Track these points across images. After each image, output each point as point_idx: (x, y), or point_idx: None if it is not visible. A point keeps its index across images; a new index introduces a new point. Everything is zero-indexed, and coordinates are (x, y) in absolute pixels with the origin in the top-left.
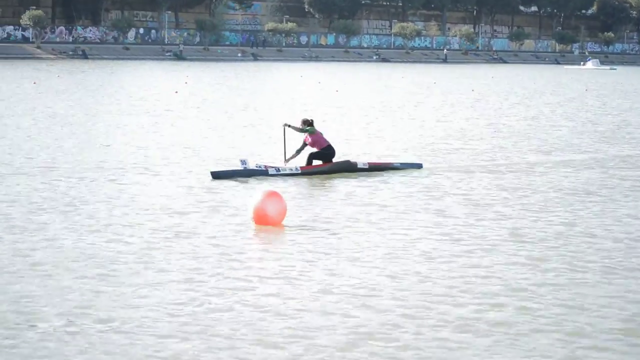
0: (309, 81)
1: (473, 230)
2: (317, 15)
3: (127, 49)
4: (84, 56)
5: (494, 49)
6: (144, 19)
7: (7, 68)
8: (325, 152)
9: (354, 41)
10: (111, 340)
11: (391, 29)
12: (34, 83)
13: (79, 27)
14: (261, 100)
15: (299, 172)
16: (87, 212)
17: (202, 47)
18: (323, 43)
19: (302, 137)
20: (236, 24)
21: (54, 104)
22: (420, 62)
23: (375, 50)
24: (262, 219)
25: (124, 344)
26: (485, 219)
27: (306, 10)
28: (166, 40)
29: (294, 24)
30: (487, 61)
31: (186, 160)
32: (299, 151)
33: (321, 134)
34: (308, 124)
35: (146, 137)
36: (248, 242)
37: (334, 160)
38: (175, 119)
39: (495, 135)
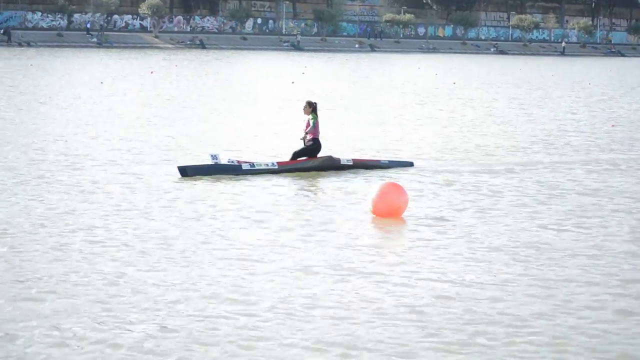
0: (427, 73)
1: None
2: (434, 7)
3: (245, 39)
4: (202, 46)
5: (612, 42)
6: (262, 9)
7: (125, 57)
8: (312, 146)
9: (472, 33)
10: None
11: (509, 21)
12: (151, 72)
13: (196, 17)
14: (379, 91)
15: (276, 167)
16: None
17: (320, 37)
18: (440, 35)
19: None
20: (354, 15)
21: (168, 92)
22: (538, 54)
23: (493, 42)
24: (386, 211)
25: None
26: None
27: (424, 1)
28: (284, 30)
29: (412, 15)
30: (605, 54)
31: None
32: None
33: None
34: (313, 108)
35: (264, 128)
36: (373, 234)
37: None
38: (290, 109)
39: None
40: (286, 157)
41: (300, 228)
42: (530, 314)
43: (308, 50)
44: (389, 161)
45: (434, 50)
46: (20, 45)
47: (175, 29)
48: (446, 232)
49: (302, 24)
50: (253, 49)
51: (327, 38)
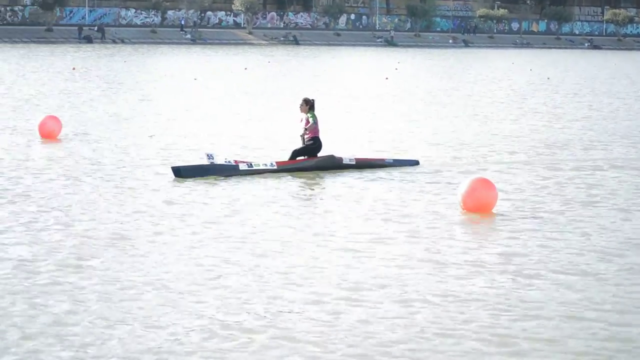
0: (521, 68)
1: None
2: (528, 2)
3: (338, 34)
4: (295, 42)
5: None
6: (355, 5)
7: (219, 53)
8: (312, 146)
9: (566, 28)
10: None
11: (603, 16)
12: (245, 69)
13: (290, 13)
14: (473, 87)
15: (275, 167)
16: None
17: (413, 33)
18: (534, 30)
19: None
20: (447, 10)
21: (264, 88)
22: (632, 49)
23: (587, 37)
24: (477, 206)
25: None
26: None
27: None
28: (377, 26)
29: (506, 10)
30: None
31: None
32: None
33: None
34: (311, 105)
35: (356, 123)
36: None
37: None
38: (382, 106)
39: None
40: (285, 156)
41: (397, 224)
42: None
43: (401, 46)
44: (394, 160)
45: (527, 45)
46: (114, 42)
47: (269, 25)
48: (547, 225)
49: (396, 20)
50: (346, 45)
51: (421, 33)
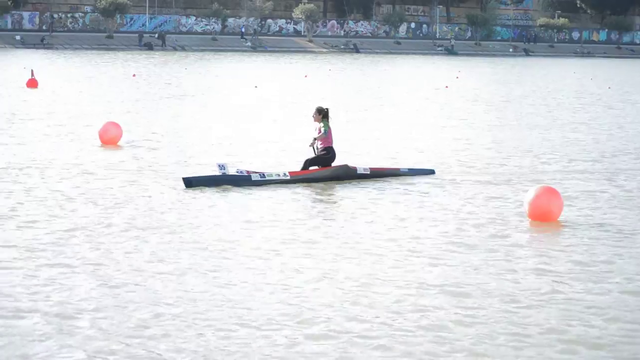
0: (582, 77)
1: None
2: (589, 11)
3: (399, 43)
4: (355, 50)
5: None
6: (415, 14)
7: (279, 61)
8: (325, 156)
9: (627, 37)
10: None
11: None
12: (305, 76)
13: (350, 21)
14: (534, 95)
15: (288, 178)
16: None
17: (474, 41)
18: (595, 39)
19: (315, 129)
20: (507, 19)
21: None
22: None
23: None
24: (543, 215)
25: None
26: None
27: (578, 5)
28: (437, 34)
29: (566, 19)
30: None
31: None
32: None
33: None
34: (324, 114)
35: (412, 131)
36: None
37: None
38: (442, 114)
39: None
40: (299, 166)
41: (464, 233)
42: None
43: (462, 55)
44: (409, 169)
45: (588, 54)
46: (174, 49)
47: (329, 33)
48: (613, 234)
49: (456, 28)
50: (407, 53)
51: (481, 42)
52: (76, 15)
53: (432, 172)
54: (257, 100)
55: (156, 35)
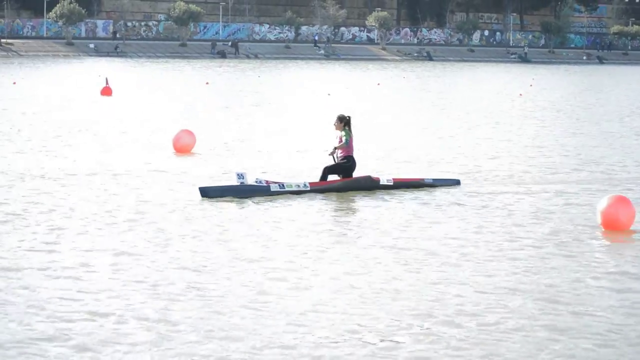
0: None
1: None
2: None
3: (472, 51)
4: (429, 58)
5: None
6: (489, 21)
7: (352, 69)
8: (346, 164)
9: None
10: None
11: None
12: (378, 84)
13: (423, 29)
14: (609, 104)
15: (308, 188)
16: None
17: (547, 49)
18: None
19: (336, 136)
20: (581, 27)
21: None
22: None
23: None
24: (616, 224)
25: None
26: None
27: None
28: (511, 42)
29: None
30: None
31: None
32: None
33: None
34: (346, 122)
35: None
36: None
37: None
38: (511, 123)
39: None
40: (315, 176)
41: (538, 243)
42: None
43: (535, 62)
44: (433, 180)
45: None
46: (248, 57)
47: (402, 41)
48: None
49: (530, 36)
50: (480, 61)
51: (555, 50)
52: (150, 23)
53: (457, 182)
54: (330, 108)
55: (229, 44)
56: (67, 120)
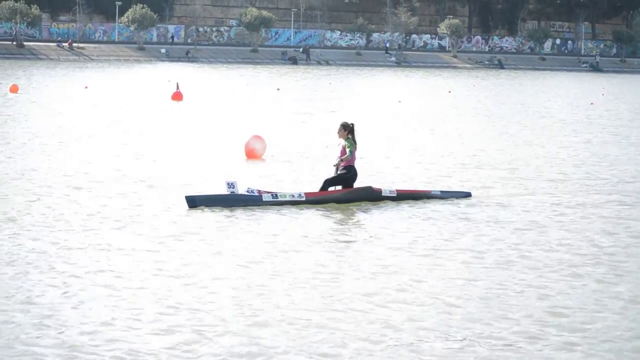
0: None
1: None
2: None
3: (543, 59)
4: (500, 66)
5: None
6: (561, 30)
7: (423, 76)
8: (346, 175)
9: None
10: None
11: None
12: (449, 92)
13: (495, 37)
14: None
15: (303, 199)
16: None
17: (619, 58)
18: None
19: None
20: None
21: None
22: None
23: None
24: None
25: None
26: None
27: None
28: (582, 51)
29: None
30: None
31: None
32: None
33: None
34: (349, 130)
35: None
36: None
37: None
38: (587, 131)
39: None
40: (315, 187)
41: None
42: None
43: (607, 72)
44: (441, 192)
45: None
46: (319, 63)
47: (474, 49)
48: None
49: (601, 45)
50: (551, 70)
51: (627, 59)
52: (221, 29)
53: (468, 195)
54: (401, 115)
55: (301, 50)
56: (138, 125)
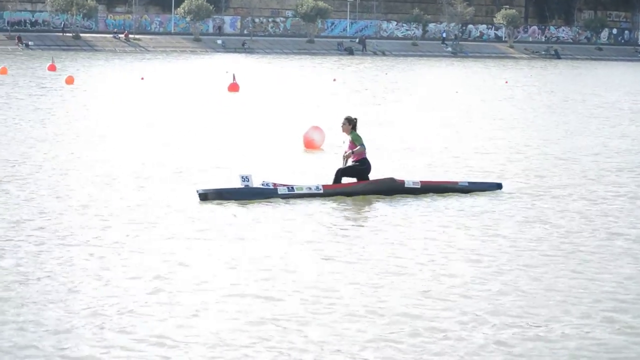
0: None
1: None
2: None
3: (600, 49)
4: (556, 56)
5: None
6: (617, 19)
7: (479, 67)
8: (360, 167)
9: None
10: None
11: None
12: (506, 82)
13: (551, 27)
14: None
15: (321, 191)
16: None
17: None
18: None
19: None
20: None
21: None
22: None
23: None
24: None
25: None
26: None
27: None
28: (639, 41)
29: None
30: None
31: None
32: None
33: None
34: (353, 125)
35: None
36: None
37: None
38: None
39: None
40: (326, 178)
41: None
42: None
43: None
44: (469, 183)
45: None
46: (375, 54)
47: (530, 39)
48: None
49: None
50: (608, 60)
51: None
52: (277, 20)
53: (499, 186)
54: (457, 105)
55: (357, 40)
56: (195, 116)
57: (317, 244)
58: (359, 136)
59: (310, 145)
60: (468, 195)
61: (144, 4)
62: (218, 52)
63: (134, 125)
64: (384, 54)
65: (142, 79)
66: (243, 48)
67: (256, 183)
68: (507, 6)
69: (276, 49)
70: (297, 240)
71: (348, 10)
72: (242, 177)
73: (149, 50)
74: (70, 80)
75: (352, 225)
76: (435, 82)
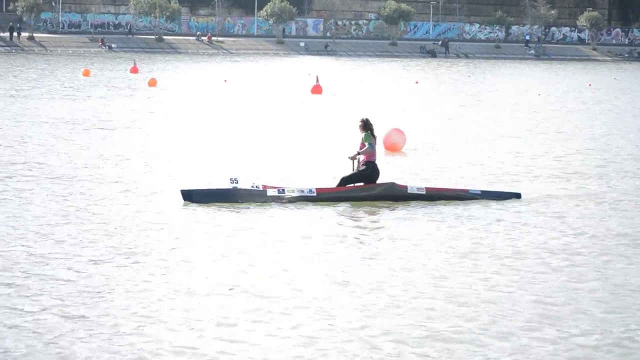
0: None
1: None
2: None
3: None
4: None
5: None
6: None
7: (562, 69)
8: (365, 172)
9: None
10: None
11: None
12: (589, 85)
13: (635, 30)
14: None
15: (314, 195)
16: None
17: None
18: None
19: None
20: None
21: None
22: None
23: None
24: None
25: None
26: None
27: None
28: None
29: None
30: None
31: None
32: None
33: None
34: (365, 126)
35: None
36: None
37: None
38: None
39: None
40: (330, 182)
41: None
42: None
43: None
44: (481, 191)
45: None
46: (457, 56)
47: (613, 42)
48: None
49: None
50: None
51: None
52: (360, 22)
53: (517, 195)
54: (539, 108)
55: (440, 43)
56: (278, 119)
57: (311, 261)
58: (370, 137)
59: (391, 147)
60: (482, 203)
61: (227, 6)
62: (301, 54)
63: (217, 127)
64: (466, 56)
65: (225, 81)
66: (325, 50)
67: (244, 186)
68: (590, 8)
69: (359, 52)
70: (289, 247)
71: (431, 12)
72: (231, 179)
73: (231, 53)
74: (152, 83)
75: (352, 234)
76: (517, 84)
